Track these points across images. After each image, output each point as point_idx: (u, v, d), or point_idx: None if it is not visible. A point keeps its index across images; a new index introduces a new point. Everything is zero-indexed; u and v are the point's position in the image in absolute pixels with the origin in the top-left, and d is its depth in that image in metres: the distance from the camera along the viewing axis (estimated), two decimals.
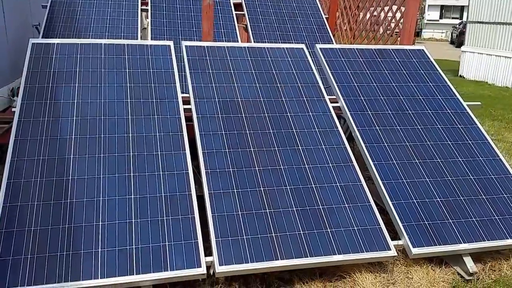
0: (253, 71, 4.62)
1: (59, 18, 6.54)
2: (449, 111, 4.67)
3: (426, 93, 4.80)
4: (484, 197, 4.02)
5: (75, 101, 4.03)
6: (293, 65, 4.79)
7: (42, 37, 6.27)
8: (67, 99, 4.03)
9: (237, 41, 6.88)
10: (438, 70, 5.03)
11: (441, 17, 45.09)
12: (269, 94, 4.45)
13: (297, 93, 4.53)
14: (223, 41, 6.77)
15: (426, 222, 3.75)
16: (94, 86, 4.17)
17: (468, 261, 3.68)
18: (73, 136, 3.79)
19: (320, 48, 4.96)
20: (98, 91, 4.14)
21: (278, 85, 4.56)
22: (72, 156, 3.67)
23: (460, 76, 16.15)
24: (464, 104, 4.77)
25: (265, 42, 6.86)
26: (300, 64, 4.82)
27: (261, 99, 4.39)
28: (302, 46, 4.98)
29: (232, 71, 4.57)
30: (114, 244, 3.24)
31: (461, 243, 3.68)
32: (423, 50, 5.21)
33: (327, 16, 8.04)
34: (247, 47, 4.84)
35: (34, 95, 4.02)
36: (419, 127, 4.46)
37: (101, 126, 3.90)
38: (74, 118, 3.92)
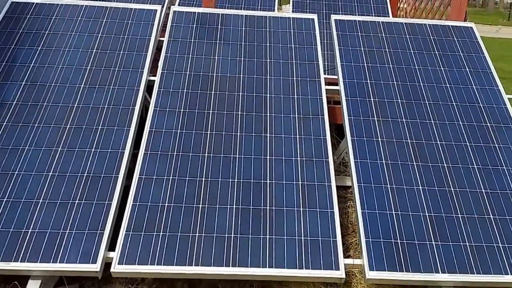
0: (243, 43, 3.91)
1: None
2: (480, 104, 3.60)
3: (457, 80, 3.73)
4: (492, 217, 2.97)
5: (31, 65, 3.64)
6: (294, 38, 3.98)
7: None
8: (23, 62, 3.65)
9: (274, 10, 6.12)
10: (483, 53, 3.91)
11: None
12: (252, 71, 3.73)
13: (288, 71, 3.74)
14: (257, 9, 6.06)
15: (399, 241, 2.82)
16: (57, 50, 3.75)
17: None
18: (14, 102, 3.41)
19: (335, 20, 4.08)
20: (60, 55, 3.72)
21: (268, 60, 3.80)
22: (4, 124, 3.29)
23: None
24: (505, 97, 3.64)
25: (307, 12, 5.96)
26: (304, 37, 4.00)
27: (241, 75, 3.68)
28: (314, 16, 4.14)
29: (218, 42, 3.91)
30: (9, 225, 2.81)
31: (439, 272, 2.72)
32: (471, 28, 4.10)
33: None
34: (246, 15, 4.12)
35: None
36: (432, 122, 3.46)
37: (47, 94, 3.47)
38: (23, 83, 3.53)
